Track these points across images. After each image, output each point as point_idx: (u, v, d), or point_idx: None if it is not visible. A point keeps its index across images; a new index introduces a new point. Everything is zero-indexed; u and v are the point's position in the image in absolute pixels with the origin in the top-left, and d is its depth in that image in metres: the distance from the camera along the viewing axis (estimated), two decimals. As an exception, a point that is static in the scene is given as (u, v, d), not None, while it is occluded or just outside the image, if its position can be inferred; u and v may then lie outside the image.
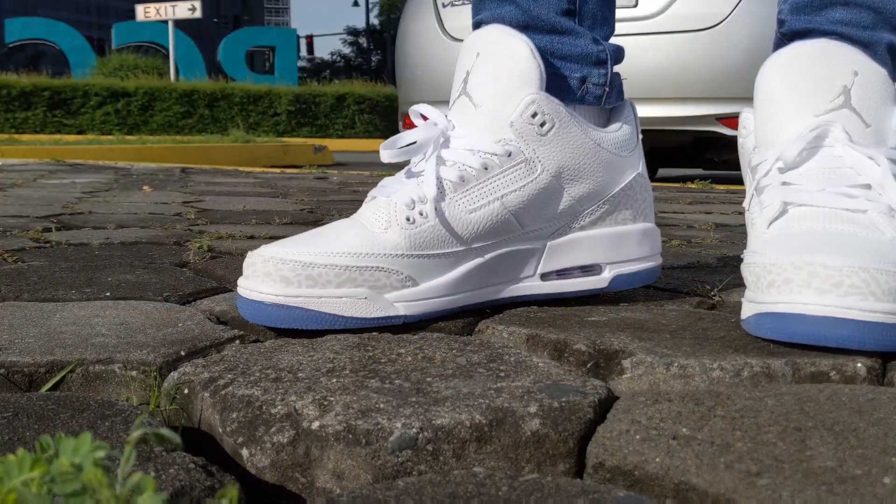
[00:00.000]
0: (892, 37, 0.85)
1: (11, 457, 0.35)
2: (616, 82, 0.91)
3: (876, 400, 0.55)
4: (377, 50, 43.06)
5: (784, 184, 0.77)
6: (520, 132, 0.80)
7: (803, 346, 0.68)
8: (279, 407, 0.53)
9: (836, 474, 0.44)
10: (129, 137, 8.43)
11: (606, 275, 0.87)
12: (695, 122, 3.38)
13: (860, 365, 0.64)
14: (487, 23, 0.87)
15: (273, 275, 0.74)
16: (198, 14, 12.26)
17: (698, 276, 1.06)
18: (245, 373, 0.60)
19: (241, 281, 0.77)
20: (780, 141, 0.79)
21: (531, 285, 0.84)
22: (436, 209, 0.78)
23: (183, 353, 0.67)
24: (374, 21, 43.62)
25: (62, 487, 0.35)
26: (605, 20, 0.93)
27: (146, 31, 15.34)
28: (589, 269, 0.87)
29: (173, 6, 12.17)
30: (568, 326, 0.75)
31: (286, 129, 11.66)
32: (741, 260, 0.78)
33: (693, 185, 3.12)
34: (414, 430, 0.50)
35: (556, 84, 0.85)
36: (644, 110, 3.44)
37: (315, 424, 0.51)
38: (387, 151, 0.81)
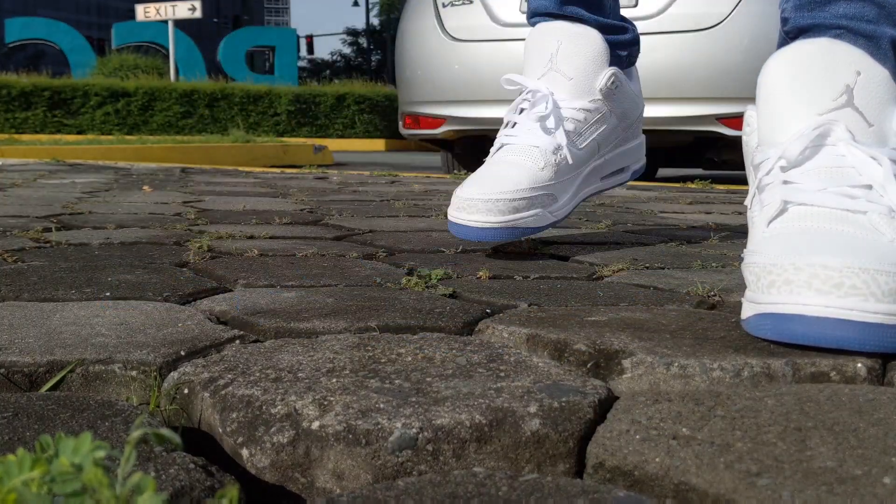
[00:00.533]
0: (894, 31, 0.85)
1: (11, 457, 0.35)
2: (638, 52, 1.36)
3: (876, 400, 0.55)
4: (377, 50, 43.06)
5: (785, 182, 0.77)
6: (604, 94, 1.23)
7: (803, 347, 0.68)
8: (279, 407, 0.53)
9: (836, 474, 0.44)
10: (129, 137, 8.43)
11: (628, 173, 1.36)
12: (695, 122, 3.38)
13: (860, 365, 0.64)
14: (555, 14, 1.25)
15: (493, 209, 1.12)
16: (198, 14, 12.26)
17: (698, 276, 1.06)
18: (245, 373, 0.60)
19: (457, 213, 1.14)
20: (782, 140, 0.80)
21: (597, 185, 1.30)
22: (569, 152, 1.19)
23: (183, 353, 0.67)
24: (374, 21, 43.62)
25: (62, 487, 0.35)
26: (619, 10, 1.35)
27: (146, 31, 15.34)
28: (620, 171, 1.34)
29: (173, 6, 12.16)
30: (568, 326, 0.75)
31: (286, 129, 11.66)
32: (741, 259, 0.79)
33: (693, 185, 3.12)
34: (414, 430, 0.50)
35: (615, 60, 1.26)
36: (644, 110, 3.44)
37: (315, 424, 0.51)
38: (507, 81, 1.23)
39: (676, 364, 0.64)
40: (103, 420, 0.53)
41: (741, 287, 0.99)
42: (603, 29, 1.24)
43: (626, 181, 1.35)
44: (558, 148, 1.18)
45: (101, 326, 0.75)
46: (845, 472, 0.44)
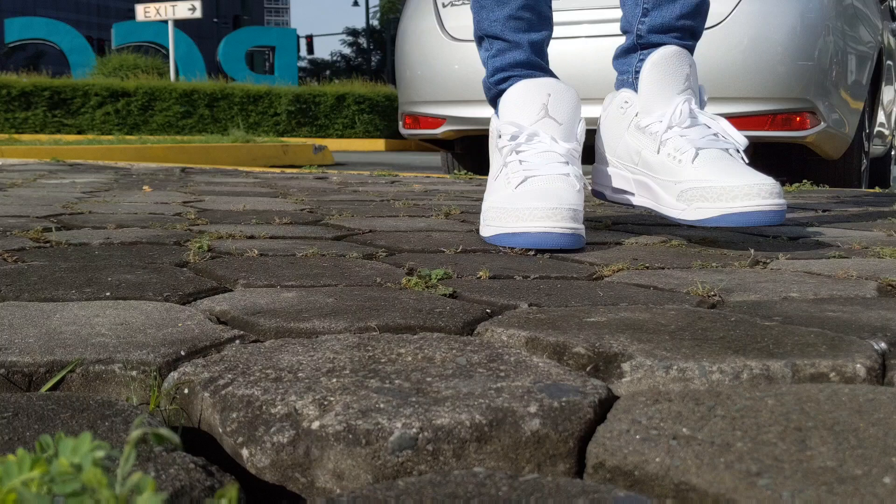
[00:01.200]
0: (694, 42, 1.52)
1: (11, 457, 0.35)
2: None
3: (876, 400, 0.55)
4: (377, 50, 43.04)
5: (682, 136, 1.38)
6: (579, 139, 1.43)
7: (802, 347, 0.68)
8: (279, 407, 0.53)
9: (836, 474, 0.44)
10: (129, 137, 8.43)
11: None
12: (695, 122, 3.38)
13: (860, 365, 0.64)
14: (536, 76, 1.50)
15: (566, 216, 1.28)
16: (198, 14, 12.26)
17: (698, 276, 1.06)
18: (245, 373, 0.60)
19: (538, 224, 1.28)
20: (657, 109, 1.42)
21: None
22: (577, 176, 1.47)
23: (183, 353, 0.67)
24: (374, 21, 43.61)
25: (62, 487, 0.35)
26: None
27: (146, 30, 15.35)
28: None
29: (173, 6, 12.17)
30: (567, 328, 0.75)
31: (286, 129, 11.66)
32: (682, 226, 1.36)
33: (693, 185, 3.12)
34: (414, 430, 0.50)
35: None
36: None
37: (315, 424, 0.51)
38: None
39: (675, 367, 0.64)
40: (103, 420, 0.53)
41: (741, 287, 0.99)
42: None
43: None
44: (579, 177, 1.43)
45: (101, 326, 0.75)
46: (845, 472, 0.44)
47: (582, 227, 1.29)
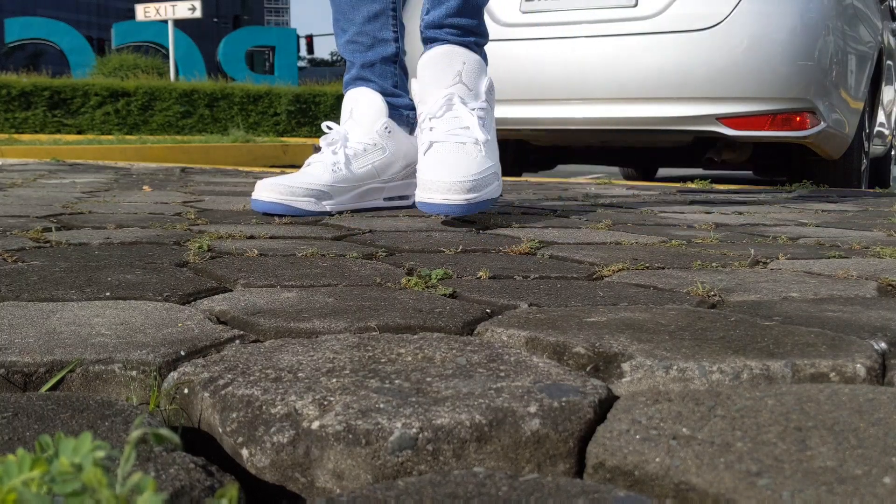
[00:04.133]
0: (477, 39, 1.76)
1: (11, 457, 0.35)
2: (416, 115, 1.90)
3: (876, 400, 0.55)
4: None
5: (431, 129, 1.67)
6: (380, 134, 1.88)
7: (802, 347, 0.68)
8: (279, 407, 0.53)
9: (836, 474, 0.44)
10: (129, 137, 8.42)
11: (410, 201, 1.91)
12: (695, 122, 3.38)
13: (860, 365, 0.64)
14: (358, 86, 1.94)
15: (277, 190, 1.73)
16: (198, 14, 12.26)
17: (698, 276, 1.06)
18: (245, 373, 0.60)
19: (255, 194, 1.72)
20: (428, 101, 1.69)
21: (378, 203, 1.90)
22: (345, 165, 1.83)
23: (183, 353, 0.67)
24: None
25: (62, 487, 0.35)
26: (406, 84, 2.01)
27: (146, 30, 15.34)
28: (405, 197, 1.94)
29: (173, 6, 12.16)
30: (567, 328, 0.75)
31: (286, 129, 11.65)
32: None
33: (693, 185, 3.12)
34: (414, 429, 0.50)
35: (396, 118, 1.93)
36: (644, 110, 3.44)
37: (315, 424, 0.51)
38: (322, 140, 1.88)
39: (675, 367, 0.64)
40: (103, 420, 0.53)
41: (741, 287, 0.99)
42: (390, 95, 1.95)
43: (409, 207, 1.92)
44: (336, 164, 1.83)
45: (101, 326, 0.75)
46: (845, 472, 0.44)
47: (297, 199, 1.72)
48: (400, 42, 2.01)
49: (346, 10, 1.98)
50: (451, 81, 1.67)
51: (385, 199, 1.89)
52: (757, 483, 0.44)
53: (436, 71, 1.68)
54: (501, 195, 1.82)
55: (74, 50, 15.31)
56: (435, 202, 1.54)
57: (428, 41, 1.76)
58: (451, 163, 1.59)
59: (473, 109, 1.66)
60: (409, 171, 1.87)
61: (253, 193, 1.70)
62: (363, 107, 1.86)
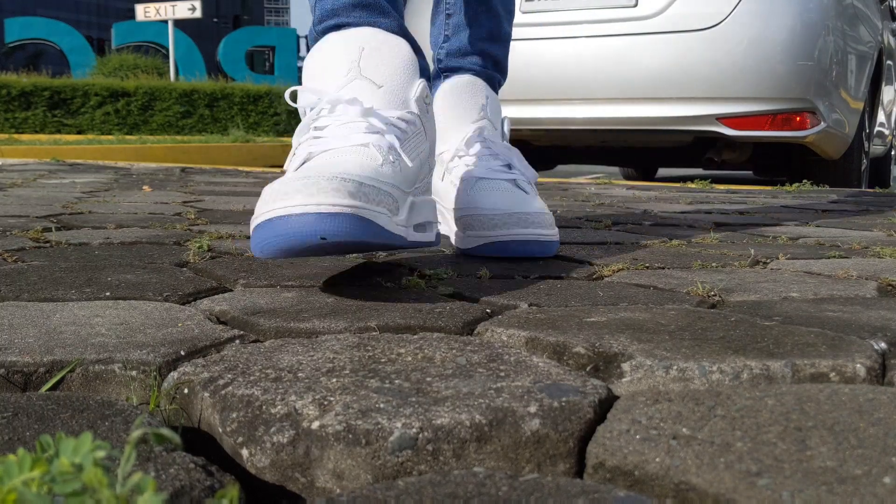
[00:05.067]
0: (500, 77, 1.45)
1: (11, 457, 0.35)
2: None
3: (876, 400, 0.55)
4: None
5: (466, 165, 1.28)
6: (419, 108, 1.04)
7: (802, 347, 0.68)
8: (279, 407, 0.53)
9: (836, 474, 0.44)
10: (129, 137, 8.43)
11: (433, 231, 1.04)
12: (695, 122, 3.38)
13: (860, 365, 0.64)
14: (357, 26, 1.08)
15: (341, 190, 0.82)
16: (198, 14, 12.26)
17: (698, 276, 1.06)
18: (245, 372, 0.60)
19: (283, 202, 0.81)
20: (451, 138, 1.31)
21: (408, 232, 0.94)
22: (405, 153, 0.97)
23: (183, 352, 0.67)
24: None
25: (62, 487, 0.35)
26: None
27: (146, 30, 15.35)
28: (425, 225, 1.02)
29: (173, 6, 12.16)
30: (567, 328, 0.75)
31: (286, 129, 11.65)
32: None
33: (693, 185, 3.12)
34: (414, 429, 0.50)
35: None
36: (644, 110, 3.44)
37: (315, 424, 0.51)
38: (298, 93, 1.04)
39: (675, 367, 0.64)
40: (103, 420, 0.53)
41: (741, 287, 0.99)
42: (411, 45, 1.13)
43: (433, 244, 1.04)
44: (391, 148, 0.94)
45: (101, 326, 0.75)
46: (845, 472, 0.44)
47: (371, 207, 0.84)
48: None
49: None
50: (477, 116, 1.32)
51: (415, 228, 0.99)
52: (757, 483, 0.44)
53: (461, 102, 1.32)
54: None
55: (74, 50, 15.31)
56: (516, 238, 1.16)
57: (446, 72, 1.40)
58: (520, 200, 1.21)
59: (508, 149, 1.31)
60: (428, 182, 1.10)
61: (274, 205, 0.82)
62: (385, 57, 1.03)
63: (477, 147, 1.29)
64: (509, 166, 1.27)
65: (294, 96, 1.04)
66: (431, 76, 1.34)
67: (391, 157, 0.93)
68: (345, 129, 0.94)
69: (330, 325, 0.77)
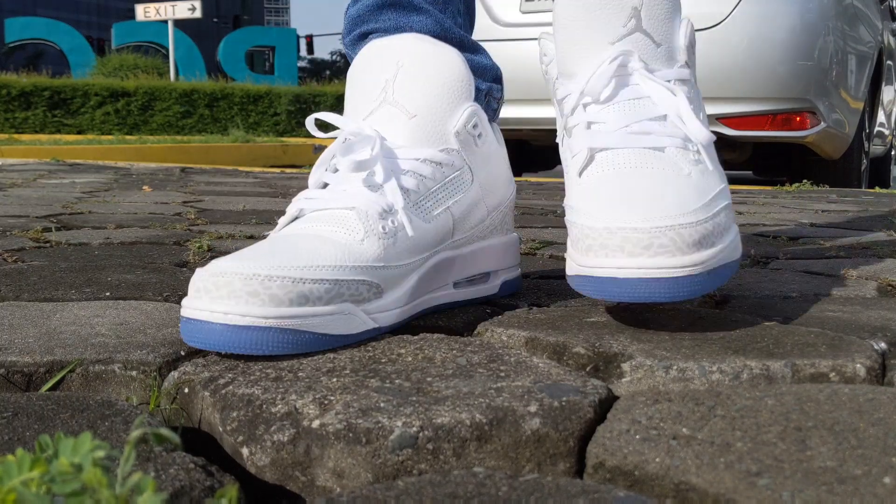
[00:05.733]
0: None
1: (11, 457, 0.35)
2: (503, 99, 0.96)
3: (876, 400, 0.55)
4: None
5: (589, 124, 0.78)
6: (463, 142, 0.81)
7: (802, 347, 0.68)
8: (279, 406, 0.53)
9: (836, 474, 0.44)
10: (128, 137, 8.43)
11: (496, 281, 0.89)
12: (695, 122, 3.38)
13: (860, 365, 0.64)
14: (392, 33, 0.88)
15: (261, 294, 0.64)
16: (198, 14, 12.27)
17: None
18: (245, 372, 0.60)
19: (199, 303, 0.64)
20: (581, 72, 0.80)
21: (447, 293, 0.84)
22: (407, 219, 0.76)
23: (183, 353, 0.67)
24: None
25: (62, 487, 0.35)
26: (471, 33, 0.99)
27: (146, 30, 15.35)
28: (482, 277, 0.88)
29: (173, 6, 12.17)
30: (567, 328, 0.75)
31: (286, 129, 11.66)
32: (563, 210, 0.86)
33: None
34: (414, 428, 0.50)
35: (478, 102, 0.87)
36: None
37: (315, 423, 0.51)
38: (344, 160, 0.77)
39: (675, 367, 0.64)
40: (103, 420, 0.53)
41: (741, 287, 0.99)
42: (461, 46, 0.90)
43: (494, 295, 0.88)
44: (389, 211, 0.75)
45: (101, 326, 0.75)
46: (845, 472, 0.44)
47: (308, 312, 0.66)
48: None
49: None
50: (621, 28, 0.78)
51: (455, 286, 0.84)
52: (757, 483, 0.44)
53: (591, 8, 0.78)
54: (743, 255, 0.95)
55: (74, 50, 15.32)
56: (627, 274, 0.68)
57: None
58: (645, 189, 0.72)
59: (670, 81, 0.78)
60: (495, 220, 0.88)
61: (185, 303, 0.66)
62: (428, 74, 0.81)
63: (609, 86, 0.77)
64: (657, 119, 0.76)
65: (322, 126, 0.81)
66: None
67: (381, 227, 0.74)
68: (344, 182, 0.77)
69: (330, 325, 0.77)
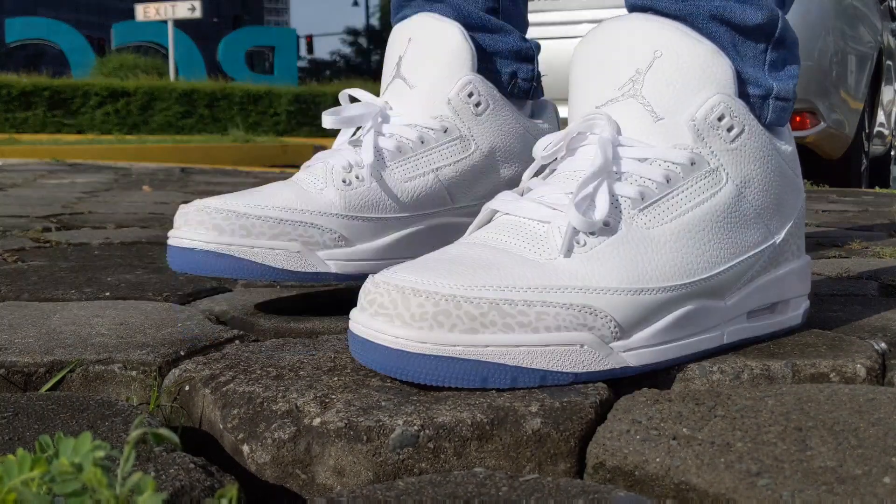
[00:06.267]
0: (713, 4, 0.70)
1: (11, 457, 0.35)
2: (539, 78, 0.95)
3: (876, 400, 0.55)
4: (377, 50, 43.05)
5: (528, 188, 0.68)
6: (456, 110, 0.85)
7: (802, 347, 0.68)
8: (280, 403, 0.53)
9: (836, 474, 0.44)
10: (128, 137, 8.43)
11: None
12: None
13: (860, 365, 0.64)
14: (415, 9, 0.92)
15: (206, 223, 0.77)
16: (197, 14, 12.26)
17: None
18: (246, 370, 0.60)
19: (171, 232, 0.79)
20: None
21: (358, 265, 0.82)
22: (371, 173, 0.81)
23: (183, 352, 0.67)
24: (374, 21, 43.65)
25: (62, 487, 0.35)
26: (522, 17, 0.98)
27: (146, 30, 15.34)
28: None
29: (173, 6, 12.16)
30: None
31: (286, 129, 11.66)
32: None
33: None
34: (415, 427, 0.50)
35: (489, 78, 0.88)
36: None
37: (316, 421, 0.51)
38: (329, 118, 0.84)
39: (676, 367, 0.64)
40: (103, 420, 0.53)
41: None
42: (482, 28, 0.90)
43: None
44: (354, 166, 0.81)
45: (101, 326, 0.75)
46: (845, 472, 0.44)
47: (243, 242, 0.77)
48: None
49: None
50: (615, 91, 0.66)
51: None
52: (757, 483, 0.44)
53: (591, 66, 0.69)
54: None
55: (74, 50, 15.31)
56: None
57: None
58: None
59: (647, 160, 0.65)
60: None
61: (171, 233, 0.80)
62: (424, 49, 0.86)
63: (569, 156, 0.68)
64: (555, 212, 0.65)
65: (353, 100, 0.89)
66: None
67: (342, 179, 0.79)
68: (338, 140, 0.87)
69: (330, 325, 0.77)
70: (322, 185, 0.80)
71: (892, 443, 0.48)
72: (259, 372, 0.60)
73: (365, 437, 0.50)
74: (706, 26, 0.70)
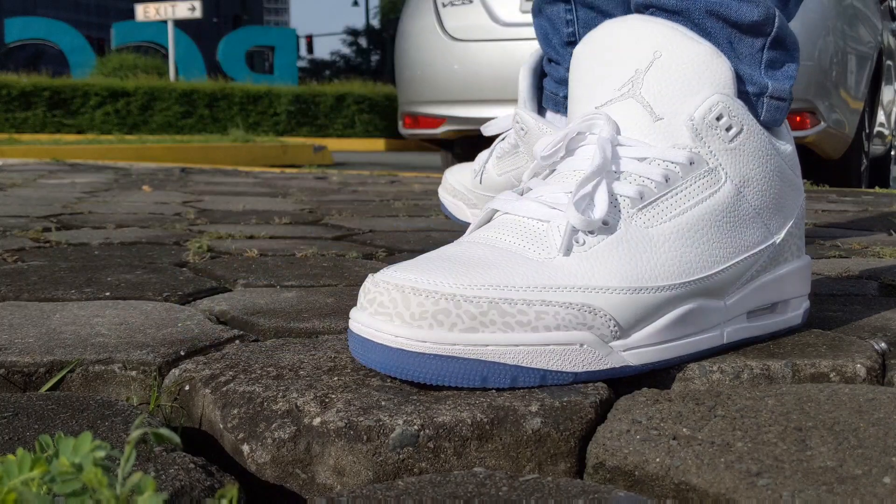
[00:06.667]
0: (710, 0, 0.70)
1: (11, 457, 0.35)
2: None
3: (876, 400, 0.55)
4: (377, 50, 43.06)
5: (528, 188, 0.67)
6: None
7: (802, 347, 0.68)
8: (280, 403, 0.53)
9: (836, 474, 0.44)
10: (128, 137, 8.43)
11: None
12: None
13: (860, 365, 0.64)
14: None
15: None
16: (197, 14, 12.26)
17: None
18: (246, 370, 0.60)
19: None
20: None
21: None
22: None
23: (183, 352, 0.67)
24: (374, 21, 43.65)
25: (62, 487, 0.35)
26: None
27: (146, 30, 15.34)
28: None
29: (173, 6, 12.16)
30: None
31: (286, 129, 11.66)
32: None
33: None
34: (415, 427, 0.50)
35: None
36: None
37: (316, 421, 0.51)
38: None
39: (675, 367, 0.64)
40: (103, 420, 0.53)
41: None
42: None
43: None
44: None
45: (101, 326, 0.75)
46: (845, 472, 0.44)
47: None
48: None
49: None
50: (614, 91, 0.67)
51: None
52: (757, 483, 0.44)
53: (594, 66, 0.69)
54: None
55: (74, 50, 15.31)
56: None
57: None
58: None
59: (648, 160, 0.65)
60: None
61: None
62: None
63: (567, 157, 0.67)
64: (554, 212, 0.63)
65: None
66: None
67: (475, 167, 0.66)
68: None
69: (330, 325, 0.77)
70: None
71: (892, 443, 0.48)
72: (259, 372, 0.60)
73: (365, 437, 0.50)
74: (702, 21, 0.70)
